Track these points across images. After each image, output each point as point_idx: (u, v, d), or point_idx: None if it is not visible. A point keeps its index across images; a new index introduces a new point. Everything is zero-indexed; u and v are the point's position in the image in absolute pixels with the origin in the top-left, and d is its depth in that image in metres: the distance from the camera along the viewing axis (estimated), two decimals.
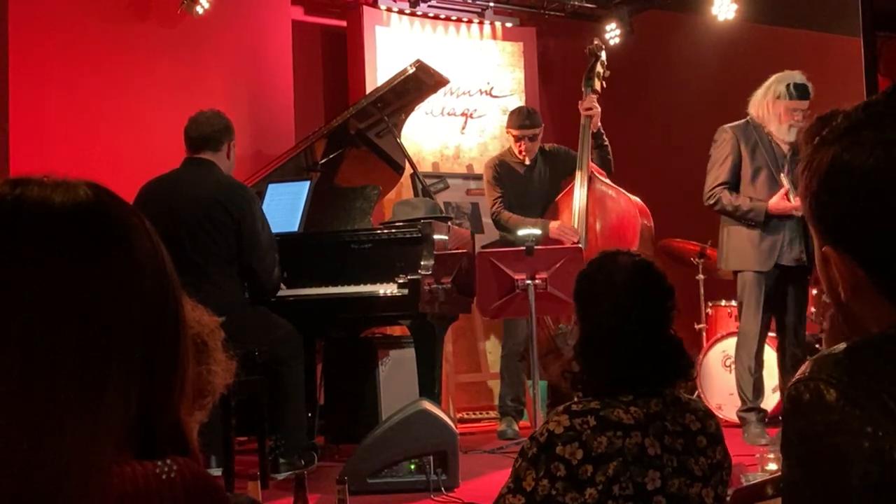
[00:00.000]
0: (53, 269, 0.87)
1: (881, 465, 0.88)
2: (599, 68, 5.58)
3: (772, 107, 4.74)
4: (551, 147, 5.68)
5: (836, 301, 1.02)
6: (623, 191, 5.39)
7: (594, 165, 5.44)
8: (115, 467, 0.85)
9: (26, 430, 0.83)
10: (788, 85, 4.70)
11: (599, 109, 5.46)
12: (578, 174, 5.39)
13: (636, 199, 5.38)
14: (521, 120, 5.48)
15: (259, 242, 4.15)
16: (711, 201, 4.82)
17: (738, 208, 4.73)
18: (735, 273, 4.90)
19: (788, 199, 4.65)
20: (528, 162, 5.50)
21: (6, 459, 0.82)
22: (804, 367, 0.97)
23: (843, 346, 0.97)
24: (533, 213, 5.41)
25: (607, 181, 5.43)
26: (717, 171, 4.82)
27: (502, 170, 5.52)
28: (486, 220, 6.43)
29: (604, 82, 5.60)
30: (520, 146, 5.47)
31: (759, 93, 4.81)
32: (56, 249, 0.88)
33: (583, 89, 5.57)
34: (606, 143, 5.51)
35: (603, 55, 5.62)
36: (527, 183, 5.52)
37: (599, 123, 5.46)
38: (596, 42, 5.69)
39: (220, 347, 1.74)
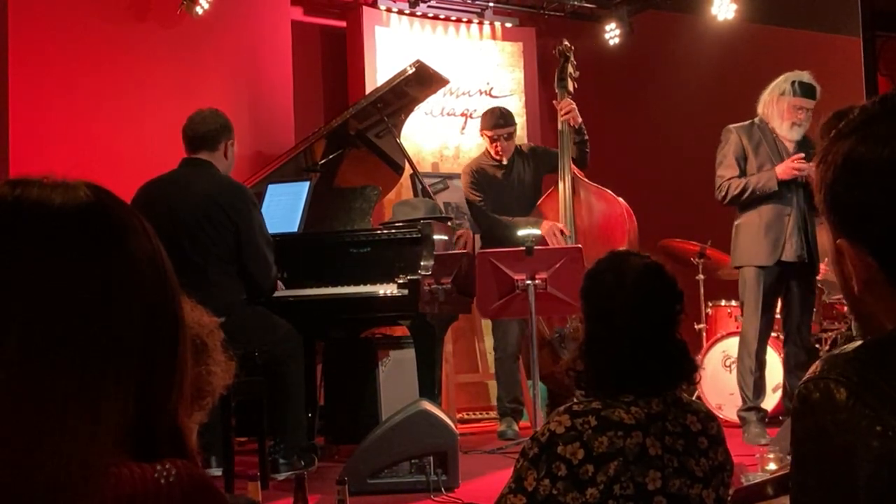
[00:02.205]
0: (53, 269, 0.87)
1: (890, 466, 0.88)
2: (570, 69, 5.57)
3: (776, 103, 4.76)
4: (528, 147, 5.69)
5: (850, 295, 1.02)
6: (608, 191, 5.40)
7: (574, 168, 5.44)
8: (112, 469, 0.85)
9: (26, 431, 0.83)
10: (793, 82, 4.71)
11: (575, 107, 5.44)
12: (561, 180, 5.39)
13: (620, 199, 5.38)
14: (494, 120, 5.46)
15: (257, 243, 4.15)
16: (722, 194, 4.80)
17: (747, 186, 4.71)
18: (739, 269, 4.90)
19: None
20: (504, 162, 5.49)
21: (6, 459, 0.82)
22: (815, 366, 0.97)
23: (854, 345, 0.97)
24: (515, 214, 5.40)
25: (590, 183, 5.44)
26: (723, 169, 4.81)
27: (480, 175, 5.50)
28: None
29: (575, 83, 5.59)
30: (496, 147, 5.46)
31: (767, 90, 4.83)
32: (56, 250, 0.88)
33: (556, 91, 5.57)
34: (587, 137, 5.49)
35: (572, 56, 5.61)
36: (505, 185, 5.50)
37: (580, 119, 5.45)
38: (565, 43, 5.67)
39: (220, 348, 1.74)
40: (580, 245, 5.07)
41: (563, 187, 5.39)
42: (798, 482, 0.97)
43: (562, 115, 5.45)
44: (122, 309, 0.89)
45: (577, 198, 5.38)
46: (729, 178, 4.76)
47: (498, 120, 5.45)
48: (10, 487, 0.82)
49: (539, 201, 5.50)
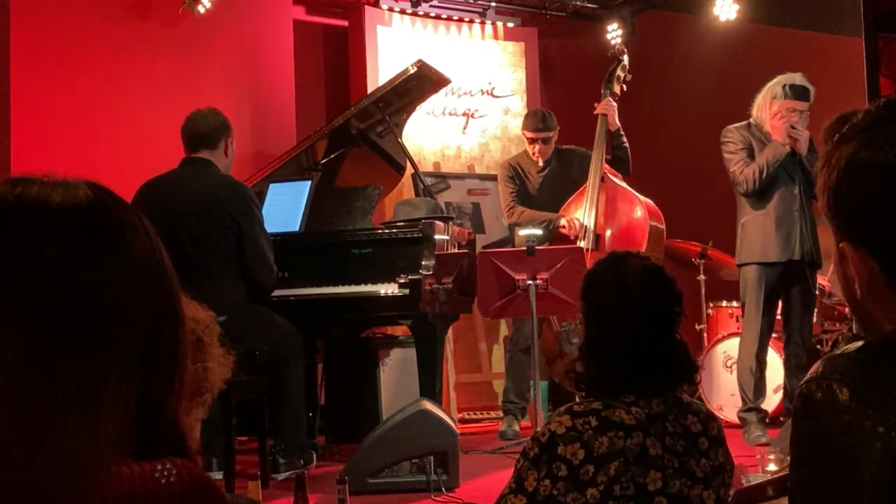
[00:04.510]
0: (53, 268, 0.87)
1: (893, 467, 0.88)
2: (620, 72, 5.60)
3: (769, 107, 4.74)
4: (567, 148, 5.69)
5: (852, 299, 1.02)
6: (634, 191, 5.39)
7: (607, 166, 5.44)
8: (113, 468, 0.85)
9: (28, 431, 0.83)
10: (784, 86, 4.69)
11: (615, 107, 5.47)
12: (591, 175, 5.39)
13: (647, 199, 5.37)
14: (535, 123, 5.52)
15: (258, 242, 4.15)
16: (748, 183, 4.69)
17: (761, 164, 4.64)
18: (739, 269, 4.87)
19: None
20: (541, 164, 5.53)
21: (7, 459, 0.82)
22: (816, 366, 0.97)
23: (857, 345, 0.97)
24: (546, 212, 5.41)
25: (619, 182, 5.42)
26: (735, 165, 4.74)
27: (517, 169, 5.57)
28: (488, 221, 6.44)
29: (624, 86, 5.61)
30: (533, 148, 5.51)
31: (760, 94, 4.81)
32: (55, 249, 0.88)
33: (602, 91, 5.59)
34: (625, 142, 5.51)
35: (626, 59, 5.63)
36: (541, 184, 5.55)
37: (618, 123, 5.46)
38: (619, 45, 5.72)
39: (216, 343, 1.74)
40: (582, 246, 5.08)
41: (591, 185, 5.37)
42: (798, 481, 0.96)
43: (597, 111, 5.46)
44: (122, 308, 0.89)
45: (604, 196, 5.37)
46: (742, 170, 4.70)
47: (538, 124, 5.50)
48: (13, 487, 0.82)
49: (570, 198, 5.50)
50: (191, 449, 0.94)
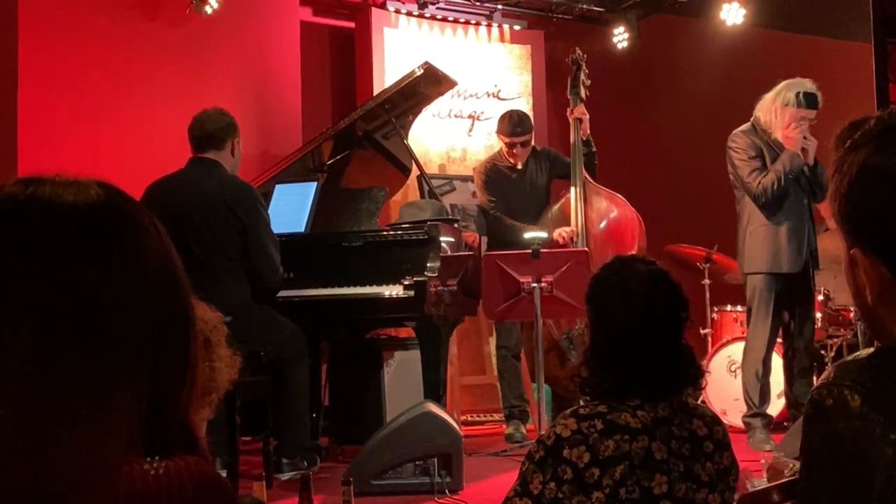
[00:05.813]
0: (64, 268, 0.87)
1: None
2: (582, 77, 5.60)
3: (779, 114, 4.67)
4: (541, 148, 5.68)
5: (863, 305, 1.02)
6: (618, 195, 5.40)
7: (586, 173, 5.46)
8: (125, 466, 0.85)
9: (37, 429, 0.83)
10: (798, 93, 4.62)
11: (587, 115, 5.50)
12: (573, 185, 5.40)
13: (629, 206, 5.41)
14: (511, 126, 5.42)
15: (263, 242, 4.16)
16: (766, 196, 4.64)
17: (777, 174, 4.60)
18: (745, 277, 4.86)
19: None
20: (520, 166, 5.47)
21: (17, 458, 0.82)
22: (827, 372, 0.97)
23: (868, 351, 0.97)
24: (527, 215, 5.38)
25: (601, 187, 5.45)
26: (751, 175, 4.68)
27: (493, 174, 5.48)
28: None
29: (588, 90, 5.61)
30: (512, 152, 5.43)
31: (769, 97, 4.74)
32: (67, 248, 0.88)
33: (569, 98, 5.60)
34: (594, 149, 5.53)
35: (584, 64, 5.65)
36: (519, 186, 5.48)
37: (588, 130, 5.49)
38: (578, 52, 5.70)
39: (224, 343, 1.75)
40: (586, 248, 5.08)
41: (575, 194, 5.38)
42: (808, 487, 0.96)
43: (575, 115, 5.46)
44: (132, 308, 0.89)
45: (589, 204, 5.38)
46: (759, 181, 4.65)
47: (515, 128, 5.40)
48: (21, 486, 0.82)
49: (556, 207, 5.49)
50: (202, 447, 0.94)
